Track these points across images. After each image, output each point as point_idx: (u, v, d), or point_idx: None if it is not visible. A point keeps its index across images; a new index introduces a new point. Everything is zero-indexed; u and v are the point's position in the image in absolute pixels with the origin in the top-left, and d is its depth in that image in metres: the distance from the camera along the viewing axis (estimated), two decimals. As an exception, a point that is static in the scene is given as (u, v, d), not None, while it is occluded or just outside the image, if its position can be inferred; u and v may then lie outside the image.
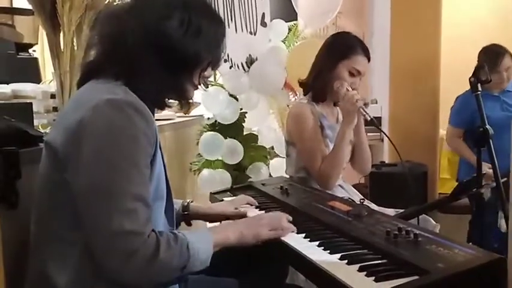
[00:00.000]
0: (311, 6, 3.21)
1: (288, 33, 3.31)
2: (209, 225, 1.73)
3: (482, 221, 1.80)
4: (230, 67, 2.80)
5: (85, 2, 1.77)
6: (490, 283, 0.97)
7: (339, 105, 1.97)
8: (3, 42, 2.42)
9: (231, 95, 2.89)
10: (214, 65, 1.25)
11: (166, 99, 1.21)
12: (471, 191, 1.69)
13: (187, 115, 2.92)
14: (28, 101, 1.75)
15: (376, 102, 3.93)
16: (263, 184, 1.91)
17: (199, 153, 2.97)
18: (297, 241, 1.24)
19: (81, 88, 1.18)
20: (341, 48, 2.02)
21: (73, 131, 1.04)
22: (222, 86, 2.93)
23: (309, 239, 1.25)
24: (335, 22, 3.89)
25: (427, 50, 3.70)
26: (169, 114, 2.83)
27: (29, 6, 1.86)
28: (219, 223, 1.57)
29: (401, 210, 1.75)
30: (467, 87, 2.93)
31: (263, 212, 1.55)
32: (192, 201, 1.57)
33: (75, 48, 1.81)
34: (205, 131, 2.94)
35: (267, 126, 3.19)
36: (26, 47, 2.64)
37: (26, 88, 1.92)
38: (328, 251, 1.15)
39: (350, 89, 1.91)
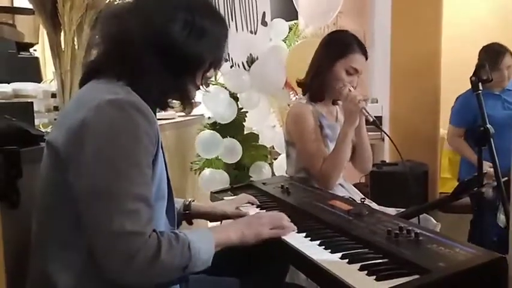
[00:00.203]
0: (312, 5, 3.20)
1: (289, 33, 3.32)
2: (210, 224, 1.73)
3: (483, 220, 1.80)
4: (231, 66, 2.81)
5: (86, 1, 1.77)
6: (490, 282, 0.97)
7: (341, 106, 1.96)
8: (4, 42, 2.42)
9: (230, 95, 2.89)
10: (216, 66, 1.25)
11: (169, 100, 1.21)
12: (472, 190, 1.69)
13: (187, 115, 2.92)
14: (29, 100, 1.75)
15: (377, 102, 3.93)
16: (264, 183, 1.91)
17: (198, 153, 2.98)
18: (297, 240, 1.24)
19: (82, 88, 1.17)
20: (338, 47, 2.02)
21: (75, 131, 1.04)
22: (221, 85, 2.93)
23: (309, 238, 1.25)
24: (336, 22, 3.89)
25: (427, 49, 3.70)
26: (170, 114, 2.83)
27: (30, 6, 1.86)
28: (219, 222, 1.57)
29: (402, 210, 1.75)
30: (468, 86, 2.94)
31: (263, 211, 1.55)
32: (193, 200, 1.57)
33: (76, 47, 1.81)
34: (208, 130, 2.94)
35: (268, 126, 3.19)
36: (26, 46, 2.64)
37: (26, 87, 1.93)
38: (329, 250, 1.15)
39: (352, 89, 1.90)
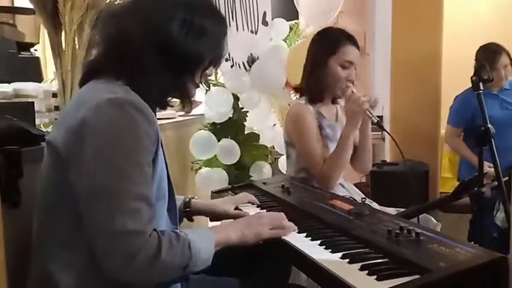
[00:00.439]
0: (312, 5, 3.20)
1: (289, 32, 3.31)
2: (210, 223, 1.73)
3: (482, 219, 1.80)
4: (231, 66, 2.81)
5: (86, 1, 1.77)
6: (491, 282, 0.97)
7: (344, 106, 1.94)
8: (5, 42, 2.43)
9: (233, 94, 2.89)
10: (215, 64, 1.25)
11: (168, 99, 1.21)
12: (473, 190, 1.69)
13: (188, 114, 2.92)
14: (30, 100, 1.75)
15: (376, 103, 3.93)
16: (264, 183, 1.91)
17: (199, 153, 2.98)
18: (298, 240, 1.24)
19: (82, 88, 1.18)
20: (327, 44, 2.01)
21: (75, 130, 1.04)
22: (221, 85, 2.93)
23: (310, 238, 1.25)
24: (336, 21, 3.89)
25: (428, 48, 3.70)
26: (170, 113, 2.84)
27: (31, 6, 1.86)
28: (220, 222, 1.57)
29: (403, 210, 1.75)
30: (468, 85, 2.95)
31: (264, 211, 1.55)
32: (193, 197, 1.57)
33: (77, 47, 1.81)
34: (206, 130, 2.94)
35: (268, 125, 3.19)
36: (27, 46, 2.64)
37: (27, 87, 1.93)
38: (330, 250, 1.15)
39: (355, 91, 1.89)
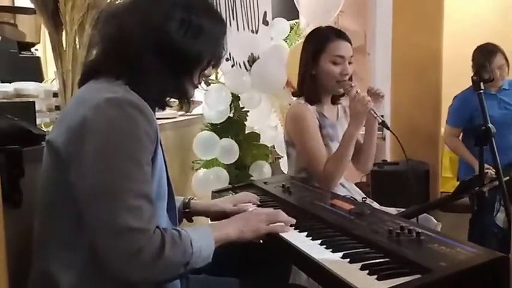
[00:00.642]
0: (312, 4, 3.21)
1: (290, 32, 3.31)
2: (210, 222, 1.73)
3: (482, 219, 1.80)
4: (232, 66, 2.80)
5: (87, 0, 1.77)
6: (492, 281, 0.97)
7: (348, 106, 1.93)
8: (6, 41, 2.43)
9: (232, 94, 2.89)
10: (215, 64, 1.25)
11: (167, 99, 1.21)
12: (473, 190, 1.69)
13: (188, 114, 2.92)
14: (30, 100, 1.75)
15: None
16: (265, 183, 1.91)
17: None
18: (299, 240, 1.24)
19: (82, 87, 1.18)
20: (315, 43, 2.01)
21: (75, 130, 1.05)
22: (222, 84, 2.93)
23: (311, 238, 1.25)
24: (337, 21, 3.89)
25: (429, 48, 3.70)
26: (170, 113, 2.83)
27: (31, 5, 1.86)
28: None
29: (403, 209, 1.75)
30: (468, 84, 2.96)
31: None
32: (192, 198, 1.57)
33: (78, 47, 1.81)
34: (207, 130, 2.94)
35: (269, 125, 3.19)
36: (28, 45, 2.64)
37: (28, 87, 1.93)
38: (331, 250, 1.15)
39: (359, 90, 1.89)
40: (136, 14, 1.14)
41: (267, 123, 3.18)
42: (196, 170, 3.01)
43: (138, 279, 1.02)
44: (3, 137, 1.21)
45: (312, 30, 2.17)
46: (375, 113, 1.84)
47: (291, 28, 3.32)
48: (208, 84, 1.25)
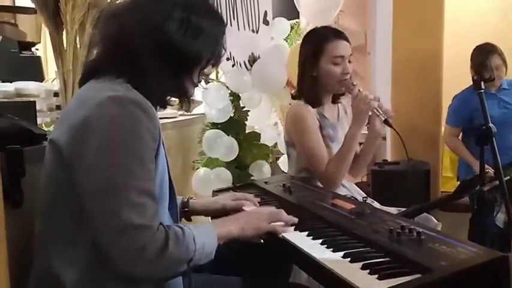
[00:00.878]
0: (312, 4, 3.21)
1: (290, 32, 3.31)
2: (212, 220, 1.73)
3: (482, 219, 1.80)
4: (232, 65, 2.80)
5: (88, 0, 1.77)
6: (492, 281, 0.97)
7: (351, 105, 1.92)
8: (6, 41, 2.43)
9: (231, 94, 2.89)
10: (214, 63, 1.26)
11: (168, 98, 1.22)
12: (474, 190, 1.69)
13: (189, 113, 2.92)
14: (31, 99, 1.76)
15: (378, 101, 3.93)
16: (265, 182, 1.91)
17: (200, 152, 2.98)
18: (300, 239, 1.24)
19: (83, 87, 1.18)
20: (313, 45, 1.99)
21: (77, 128, 1.05)
22: (223, 84, 2.93)
23: (311, 237, 1.25)
24: (337, 20, 3.89)
25: (429, 47, 3.70)
26: (172, 113, 2.84)
27: (32, 5, 1.87)
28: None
29: (404, 209, 1.75)
30: (468, 84, 2.96)
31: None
32: (191, 198, 1.57)
33: (78, 46, 1.81)
34: (208, 129, 2.94)
35: (269, 125, 3.19)
36: (28, 45, 2.65)
37: (29, 86, 1.94)
38: (331, 249, 1.15)
39: (362, 89, 1.87)
40: (136, 13, 1.14)
41: (268, 122, 3.18)
42: (197, 169, 3.01)
43: (141, 275, 1.02)
44: (4, 137, 1.21)
45: (309, 32, 2.15)
46: (378, 111, 1.84)
47: (292, 28, 3.32)
48: (207, 82, 1.26)
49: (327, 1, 3.18)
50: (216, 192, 1.92)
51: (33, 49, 2.70)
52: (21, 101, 1.82)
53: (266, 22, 3.08)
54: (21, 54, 2.47)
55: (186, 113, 2.94)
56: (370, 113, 1.86)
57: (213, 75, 2.93)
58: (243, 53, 2.88)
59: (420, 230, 1.14)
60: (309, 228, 1.31)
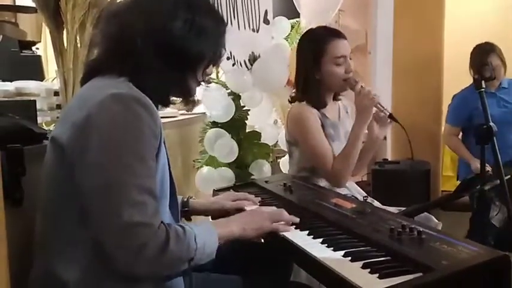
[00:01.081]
0: (311, 4, 3.21)
1: (291, 31, 3.31)
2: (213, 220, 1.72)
3: (482, 218, 1.81)
4: (233, 65, 2.80)
5: (88, -1, 1.77)
6: (493, 280, 0.97)
7: (354, 102, 1.89)
8: (7, 40, 2.43)
9: (231, 93, 2.89)
10: (216, 62, 1.27)
11: (171, 97, 1.22)
12: (474, 189, 1.69)
13: (190, 113, 2.92)
14: (32, 99, 1.76)
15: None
16: (266, 181, 1.91)
17: (201, 151, 2.98)
18: (300, 238, 1.24)
19: (85, 85, 1.18)
20: (312, 47, 1.97)
21: (79, 126, 1.05)
22: (223, 84, 2.93)
23: (312, 236, 1.25)
24: (338, 20, 3.89)
25: (430, 47, 3.70)
26: (172, 112, 2.83)
27: (32, 4, 1.87)
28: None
29: (404, 208, 1.75)
30: (468, 83, 2.97)
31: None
32: (191, 197, 1.57)
33: (79, 45, 1.81)
34: (208, 129, 2.94)
35: (270, 124, 3.19)
36: (29, 44, 2.64)
37: (29, 86, 1.93)
38: (332, 248, 1.15)
39: (364, 85, 1.87)
40: (139, 13, 1.15)
41: (268, 122, 3.18)
42: (197, 168, 3.01)
43: (142, 273, 1.03)
44: (4, 136, 1.21)
45: (305, 33, 2.13)
46: (382, 106, 1.84)
47: (292, 27, 3.31)
48: (209, 82, 1.26)
49: (325, 1, 3.18)
50: (217, 191, 1.92)
51: (33, 48, 2.69)
52: (22, 100, 1.82)
53: (266, 21, 3.08)
54: (22, 53, 2.47)
55: (186, 112, 2.94)
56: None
57: (213, 75, 2.92)
58: (244, 52, 2.87)
59: (421, 229, 1.14)
60: (309, 227, 1.31)
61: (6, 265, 1.04)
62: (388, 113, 1.83)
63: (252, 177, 2.87)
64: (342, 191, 1.93)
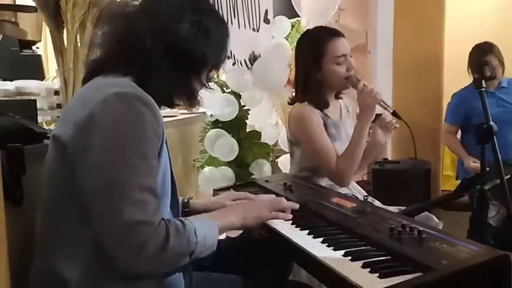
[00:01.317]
0: (310, 4, 3.21)
1: (291, 30, 3.31)
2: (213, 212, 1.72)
3: (482, 217, 1.80)
4: (233, 64, 2.80)
5: (88, -1, 1.77)
6: (493, 280, 0.97)
7: (357, 100, 1.89)
8: (7, 39, 2.43)
9: (232, 92, 2.89)
10: (220, 64, 1.27)
11: (174, 98, 1.22)
12: (474, 188, 1.69)
13: (190, 112, 2.92)
14: (32, 98, 1.76)
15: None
16: (266, 181, 1.91)
17: (201, 150, 2.98)
18: (300, 238, 1.24)
19: (87, 84, 1.18)
20: (312, 48, 1.97)
21: (82, 124, 1.05)
22: (223, 84, 2.93)
23: (312, 236, 1.25)
24: (338, 19, 3.89)
25: (430, 46, 3.70)
26: (172, 112, 2.83)
27: (33, 3, 1.87)
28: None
29: (404, 208, 1.75)
30: (468, 83, 2.97)
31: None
32: (192, 198, 1.57)
33: (79, 45, 1.81)
34: (209, 128, 2.94)
35: (270, 123, 3.19)
36: (29, 44, 2.64)
37: (29, 85, 1.94)
38: (332, 248, 1.15)
39: (366, 83, 1.86)
40: (145, 15, 1.15)
41: (268, 121, 3.18)
42: (198, 168, 3.01)
43: (144, 271, 1.03)
44: (5, 135, 1.21)
45: (304, 34, 2.13)
46: (384, 103, 1.83)
47: (292, 26, 3.31)
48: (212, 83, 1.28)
49: (324, 1, 3.18)
50: (217, 191, 1.92)
51: (33, 47, 2.69)
52: (22, 99, 1.82)
53: (267, 21, 3.08)
54: (22, 53, 2.47)
55: (186, 111, 2.94)
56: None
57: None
58: (244, 52, 2.87)
59: (421, 229, 1.14)
60: (309, 226, 1.31)
61: (6, 264, 1.04)
62: (391, 110, 1.83)
63: (252, 176, 2.87)
64: (343, 190, 1.93)
